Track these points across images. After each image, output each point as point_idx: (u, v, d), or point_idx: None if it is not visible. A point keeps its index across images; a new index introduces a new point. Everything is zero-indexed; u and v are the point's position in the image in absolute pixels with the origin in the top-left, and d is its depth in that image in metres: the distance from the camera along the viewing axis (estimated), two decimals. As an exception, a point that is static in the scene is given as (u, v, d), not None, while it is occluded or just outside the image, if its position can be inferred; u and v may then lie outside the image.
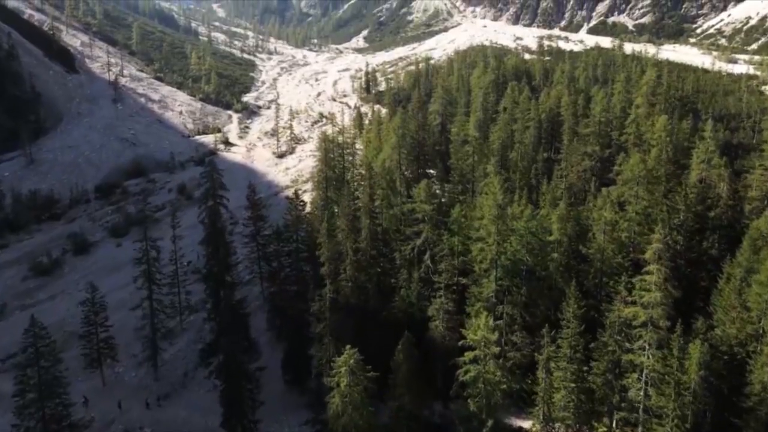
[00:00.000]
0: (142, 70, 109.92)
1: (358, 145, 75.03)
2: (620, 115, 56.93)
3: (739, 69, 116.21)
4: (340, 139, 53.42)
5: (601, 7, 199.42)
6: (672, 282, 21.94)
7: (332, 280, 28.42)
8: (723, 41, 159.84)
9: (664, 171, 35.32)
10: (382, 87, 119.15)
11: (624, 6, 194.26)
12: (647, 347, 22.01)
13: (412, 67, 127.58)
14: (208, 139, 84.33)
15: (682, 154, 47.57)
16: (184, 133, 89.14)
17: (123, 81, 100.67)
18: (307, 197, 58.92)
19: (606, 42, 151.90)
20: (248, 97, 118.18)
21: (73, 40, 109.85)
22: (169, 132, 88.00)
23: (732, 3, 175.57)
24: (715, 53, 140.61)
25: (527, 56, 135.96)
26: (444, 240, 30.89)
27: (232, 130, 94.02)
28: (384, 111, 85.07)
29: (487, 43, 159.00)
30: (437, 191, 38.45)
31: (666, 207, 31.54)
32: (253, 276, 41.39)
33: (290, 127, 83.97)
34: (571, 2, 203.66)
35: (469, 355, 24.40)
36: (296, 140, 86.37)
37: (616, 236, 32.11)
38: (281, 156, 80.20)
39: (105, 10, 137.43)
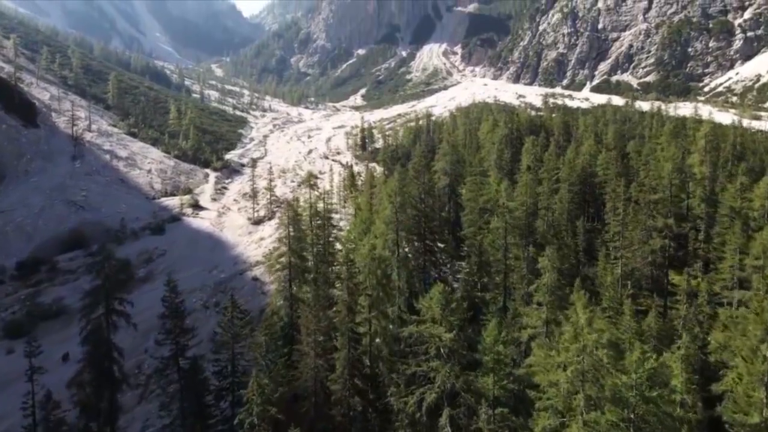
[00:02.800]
0: (115, 125, 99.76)
1: (351, 210, 62.71)
2: (676, 178, 44.95)
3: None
4: (321, 205, 40.66)
5: (603, 66, 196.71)
6: None
7: None
8: (734, 99, 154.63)
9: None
10: (379, 144, 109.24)
11: (627, 65, 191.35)
12: None
13: (412, 124, 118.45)
14: (174, 202, 71.99)
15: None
16: (148, 194, 77.02)
17: (89, 136, 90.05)
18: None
19: (612, 100, 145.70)
20: (232, 155, 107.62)
21: (43, 93, 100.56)
22: (130, 193, 75.82)
23: (739, 61, 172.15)
24: (732, 110, 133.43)
25: (533, 113, 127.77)
26: (484, 403, 17.05)
27: (206, 190, 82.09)
28: (379, 170, 73.58)
29: (489, 100, 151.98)
30: (456, 293, 24.99)
31: None
32: (173, 419, 27.01)
33: (270, 188, 71.92)
34: (573, 61, 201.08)
35: None
36: (278, 203, 74.00)
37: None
38: (257, 222, 67.52)
39: (87, 64, 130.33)
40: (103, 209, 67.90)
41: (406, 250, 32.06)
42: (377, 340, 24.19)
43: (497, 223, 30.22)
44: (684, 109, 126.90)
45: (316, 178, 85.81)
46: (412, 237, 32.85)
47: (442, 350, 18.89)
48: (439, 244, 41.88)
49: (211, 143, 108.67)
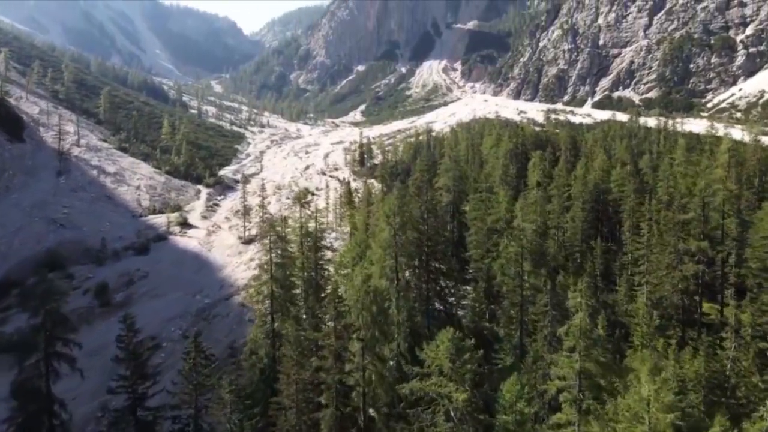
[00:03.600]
0: (105, 140, 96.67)
1: (348, 228, 59.01)
2: (710, 195, 41.30)
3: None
4: (313, 225, 37.09)
5: (604, 82, 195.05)
6: None
7: None
8: (738, 115, 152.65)
9: None
10: (378, 160, 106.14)
11: (628, 81, 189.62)
12: None
13: (412, 139, 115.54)
14: (161, 220, 68.25)
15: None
16: (135, 211, 73.32)
17: (77, 151, 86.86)
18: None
19: (615, 116, 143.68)
20: (226, 170, 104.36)
21: (32, 107, 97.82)
22: (116, 210, 72.14)
23: (741, 78, 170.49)
24: (738, 126, 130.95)
25: (536, 129, 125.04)
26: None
27: (197, 207, 78.40)
28: (377, 186, 70.07)
29: (491, 116, 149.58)
30: (466, 338, 20.98)
31: None
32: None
33: (263, 205, 68.22)
34: (573, 77, 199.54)
35: None
36: (271, 221, 70.16)
37: None
38: (248, 242, 63.69)
39: (82, 79, 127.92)
40: (85, 228, 64.14)
41: (407, 276, 28.21)
42: (372, 383, 20.27)
43: (510, 248, 26.38)
44: (689, 124, 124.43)
45: (312, 194, 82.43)
46: (413, 263, 29.03)
47: (453, 413, 15.00)
48: (442, 267, 38.04)
49: (206, 159, 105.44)
